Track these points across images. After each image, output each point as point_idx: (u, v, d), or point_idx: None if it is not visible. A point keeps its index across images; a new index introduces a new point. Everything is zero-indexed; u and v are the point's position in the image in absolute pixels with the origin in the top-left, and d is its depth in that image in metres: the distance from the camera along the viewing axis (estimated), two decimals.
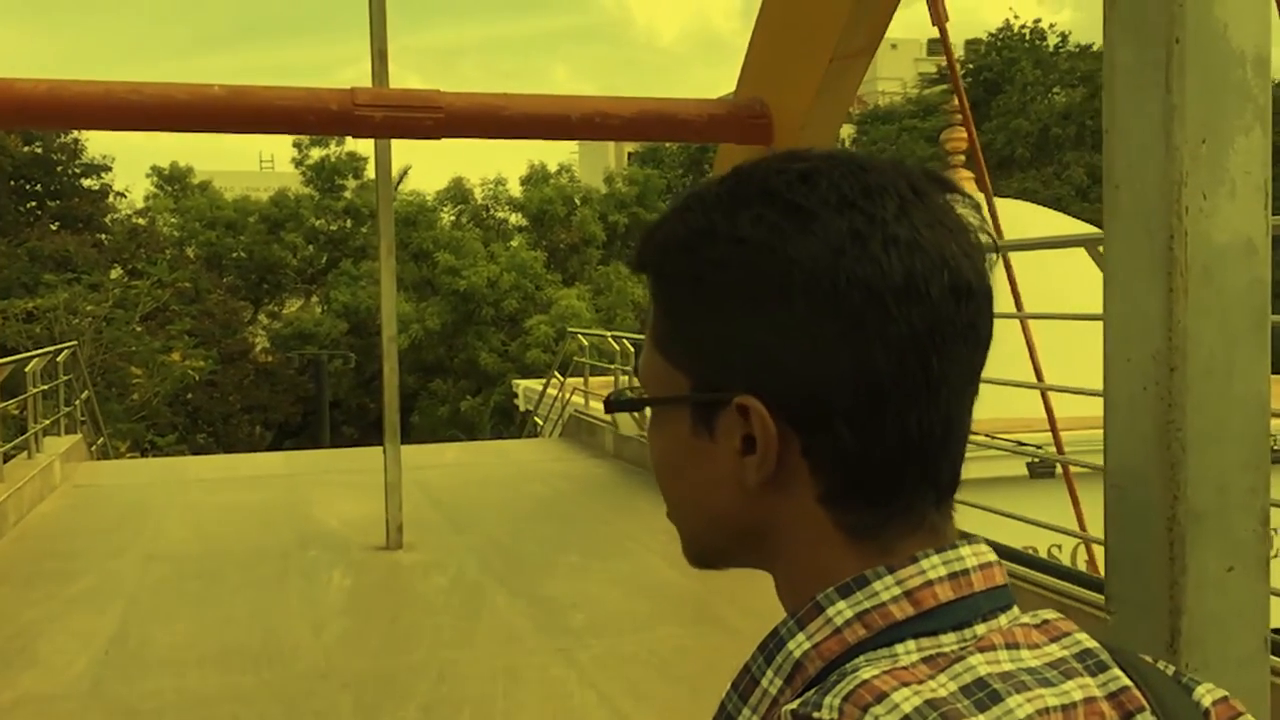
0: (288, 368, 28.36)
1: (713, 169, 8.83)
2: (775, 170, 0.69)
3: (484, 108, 6.91)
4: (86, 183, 28.44)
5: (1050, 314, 6.47)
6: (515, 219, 32.68)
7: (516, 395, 20.76)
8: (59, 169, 27.77)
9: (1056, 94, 31.16)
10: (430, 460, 10.61)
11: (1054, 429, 6.24)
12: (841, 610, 0.66)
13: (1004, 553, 5.38)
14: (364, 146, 32.23)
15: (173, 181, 32.64)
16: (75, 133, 27.28)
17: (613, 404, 0.79)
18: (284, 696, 4.68)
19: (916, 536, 0.68)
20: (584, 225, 30.23)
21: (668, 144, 37.81)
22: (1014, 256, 8.34)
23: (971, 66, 33.92)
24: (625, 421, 10.37)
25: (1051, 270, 9.63)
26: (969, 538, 0.70)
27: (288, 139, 32.63)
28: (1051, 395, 8.28)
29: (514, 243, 31.18)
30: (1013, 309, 7.00)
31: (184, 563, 6.95)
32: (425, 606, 6.02)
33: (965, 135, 17.05)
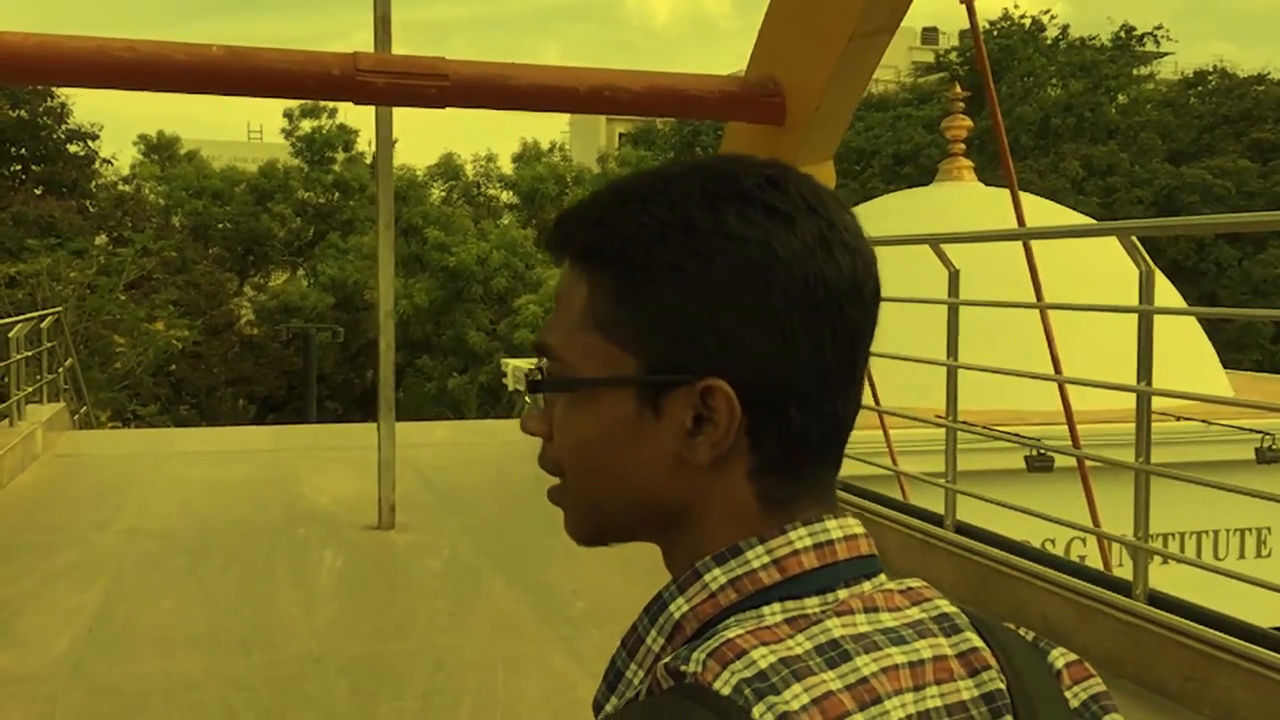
0: (273, 341, 28.03)
1: (720, 149, 8.63)
2: (741, 172, 0.75)
3: (490, 77, 6.69)
4: (72, 149, 27.94)
5: (1091, 306, 6.28)
6: (506, 196, 32.37)
7: (505, 374, 20.56)
8: (44, 134, 27.28)
9: (1054, 86, 31.00)
10: (420, 438, 10.41)
11: (1070, 422, 6.08)
12: (716, 576, 0.72)
13: (1030, 554, 5.23)
14: (355, 119, 31.87)
15: (159, 150, 32.16)
16: (62, 97, 26.81)
17: (540, 384, 0.79)
18: (276, 681, 4.51)
19: (819, 505, 0.75)
20: None
21: (660, 125, 37.49)
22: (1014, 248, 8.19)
23: (969, 55, 33.70)
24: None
25: (1055, 262, 9.48)
26: (838, 512, 0.75)
27: (277, 109, 32.27)
28: (1059, 387, 8.11)
29: (504, 220, 30.87)
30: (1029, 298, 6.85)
31: (170, 538, 6.76)
32: (420, 590, 5.84)
33: (966, 123, 16.91)
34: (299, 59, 6.41)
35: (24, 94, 26.09)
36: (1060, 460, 11.44)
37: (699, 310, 0.72)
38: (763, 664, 0.66)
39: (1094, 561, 9.17)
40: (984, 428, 8.58)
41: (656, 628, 0.73)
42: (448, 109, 6.78)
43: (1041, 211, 17.57)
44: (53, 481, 8.50)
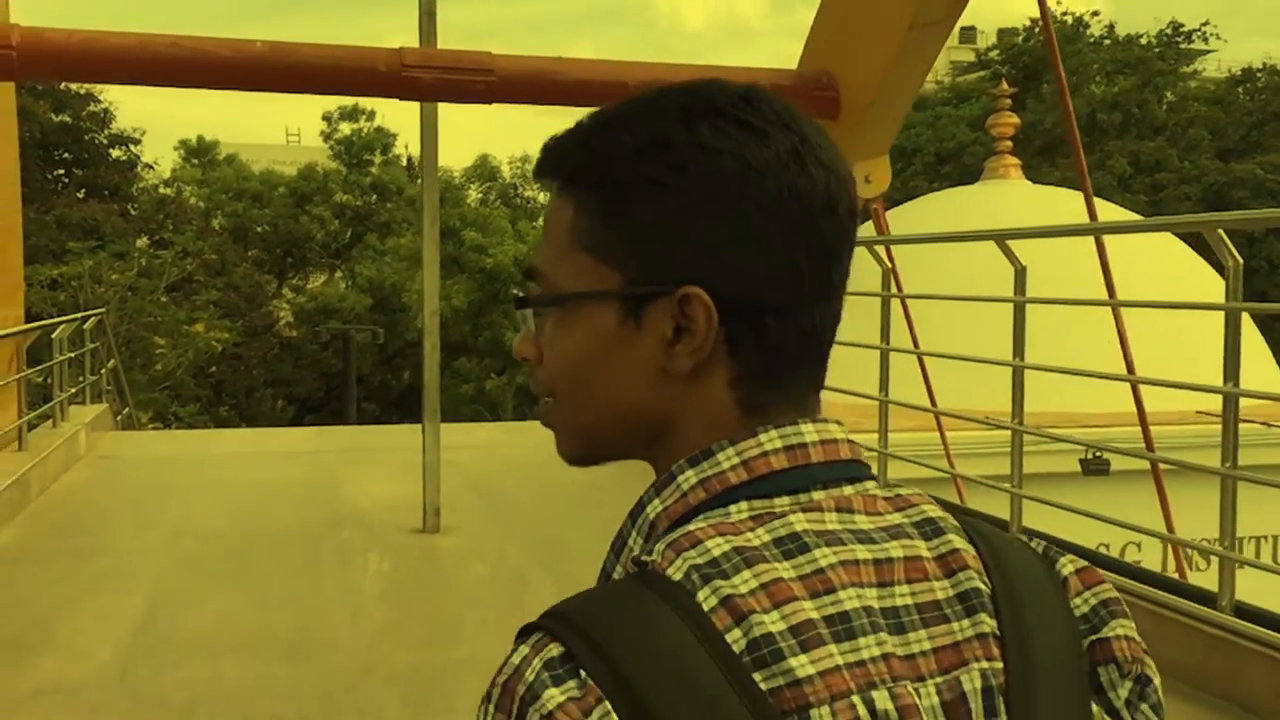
0: (312, 342, 28.10)
1: None
2: (715, 92, 0.76)
3: (538, 72, 6.57)
4: (115, 153, 28.14)
5: (1171, 303, 6.07)
6: (543, 198, 32.27)
7: None
8: (87, 138, 27.49)
9: (1099, 83, 30.53)
10: (462, 440, 10.27)
11: (1144, 425, 5.83)
12: (689, 477, 0.74)
13: (1106, 563, 5.02)
14: (392, 122, 31.96)
15: (199, 154, 32.35)
16: (105, 103, 27.01)
17: (527, 300, 0.81)
18: (324, 691, 4.38)
19: (798, 412, 0.76)
20: None
21: None
22: (1064, 244, 7.95)
23: (1011, 52, 33.28)
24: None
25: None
26: (821, 418, 0.77)
27: (315, 113, 32.43)
28: (1118, 388, 7.87)
29: (540, 222, 30.79)
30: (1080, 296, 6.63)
31: (213, 541, 6.67)
32: (468, 597, 5.70)
33: (1013, 120, 16.60)
34: (344, 55, 6.31)
35: (68, 99, 26.28)
36: (1116, 463, 11.17)
37: (677, 221, 0.74)
38: (716, 552, 0.68)
39: (1153, 568, 8.91)
40: (1035, 428, 8.36)
41: (636, 529, 0.76)
42: (490, 106, 6.66)
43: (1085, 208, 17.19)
44: (96, 483, 8.45)
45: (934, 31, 6.06)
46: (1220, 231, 4.20)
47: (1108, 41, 31.48)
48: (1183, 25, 31.43)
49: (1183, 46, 31.83)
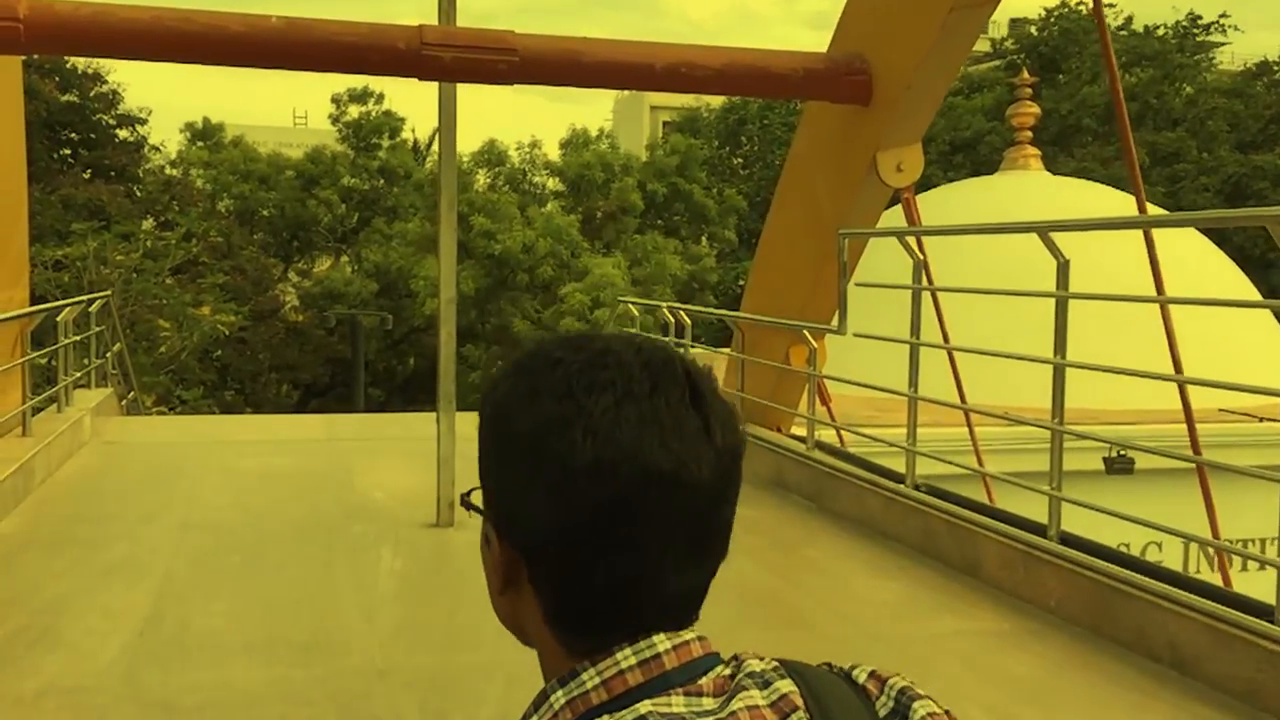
0: (317, 327, 27.88)
1: (799, 131, 8.22)
2: (543, 353, 0.86)
3: (561, 52, 6.35)
4: (122, 134, 27.90)
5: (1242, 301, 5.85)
6: (552, 183, 32.01)
7: None
8: (94, 118, 27.22)
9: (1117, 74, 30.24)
10: (473, 430, 10.06)
11: (1190, 424, 5.61)
12: (559, 697, 0.82)
13: (1153, 571, 4.81)
14: (401, 105, 31.63)
15: (205, 136, 32.07)
16: (113, 84, 26.77)
17: (463, 502, 0.95)
18: (339, 696, 4.18)
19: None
20: (624, 194, 29.49)
21: (705, 114, 36.98)
22: (1075, 237, 7.69)
23: (1025, 43, 32.95)
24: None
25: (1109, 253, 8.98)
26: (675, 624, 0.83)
27: (323, 95, 32.15)
28: (1141, 385, 7.61)
29: (548, 207, 30.50)
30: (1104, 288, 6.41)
31: (221, 533, 6.48)
32: (485, 595, 5.50)
33: (1034, 110, 16.36)
34: (362, 32, 6.09)
35: (75, 78, 26.03)
36: (1140, 461, 10.95)
37: (484, 462, 0.86)
38: None
39: (1174, 567, 8.70)
40: (1076, 428, 8.15)
41: None
42: (499, 89, 6.44)
43: (1111, 200, 16.98)
44: (100, 470, 8.26)
45: (977, 13, 5.82)
46: None
47: (1124, 33, 31.16)
48: (1200, 17, 31.10)
49: (1199, 38, 31.49)
